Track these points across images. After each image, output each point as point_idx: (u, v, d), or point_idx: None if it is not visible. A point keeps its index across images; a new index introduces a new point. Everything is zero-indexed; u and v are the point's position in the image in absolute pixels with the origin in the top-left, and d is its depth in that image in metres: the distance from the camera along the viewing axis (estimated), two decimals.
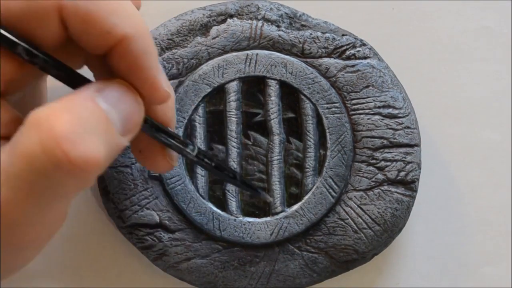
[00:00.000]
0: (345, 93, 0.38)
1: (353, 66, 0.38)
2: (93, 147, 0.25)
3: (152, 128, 0.30)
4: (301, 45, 0.39)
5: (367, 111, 0.38)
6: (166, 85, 0.29)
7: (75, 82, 0.27)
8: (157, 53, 0.29)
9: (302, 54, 0.38)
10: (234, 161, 0.38)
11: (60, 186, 0.25)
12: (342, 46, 0.39)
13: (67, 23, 0.27)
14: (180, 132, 0.38)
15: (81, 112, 0.25)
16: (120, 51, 0.27)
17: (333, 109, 0.38)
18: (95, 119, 0.25)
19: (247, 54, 0.38)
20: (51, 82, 0.31)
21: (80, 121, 0.25)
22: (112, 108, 0.26)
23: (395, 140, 0.38)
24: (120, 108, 0.27)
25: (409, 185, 0.38)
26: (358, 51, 0.39)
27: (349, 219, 0.38)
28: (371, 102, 0.38)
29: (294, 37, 0.39)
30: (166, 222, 0.38)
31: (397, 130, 0.38)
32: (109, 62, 0.28)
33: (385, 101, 0.38)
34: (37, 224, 0.26)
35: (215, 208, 0.38)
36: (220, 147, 0.39)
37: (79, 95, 0.26)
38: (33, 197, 0.25)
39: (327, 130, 0.38)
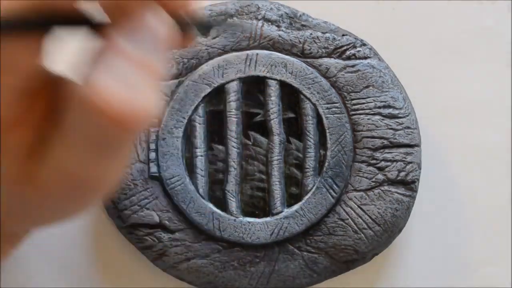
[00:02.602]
0: (345, 93, 0.38)
1: (353, 66, 0.38)
2: (145, 100, 0.25)
3: None
4: (301, 45, 0.38)
5: (367, 111, 0.38)
6: None
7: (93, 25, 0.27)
8: None
9: (302, 54, 0.38)
10: (234, 161, 0.38)
11: (124, 143, 0.26)
12: (342, 46, 0.39)
13: None
14: (180, 132, 0.38)
15: (121, 69, 0.25)
16: None
17: (333, 109, 0.38)
18: (133, 71, 0.25)
19: (247, 54, 0.38)
20: None
21: (123, 82, 0.24)
22: (143, 43, 0.26)
23: (395, 140, 0.38)
24: (149, 36, 0.26)
25: (409, 185, 0.38)
26: (358, 51, 0.39)
27: (349, 219, 0.38)
28: (371, 102, 0.38)
29: (294, 37, 0.39)
30: (166, 222, 0.38)
31: (397, 130, 0.38)
32: None
33: (385, 101, 0.38)
34: (112, 173, 0.27)
35: (215, 208, 0.38)
36: (220, 147, 0.39)
37: (108, 52, 0.25)
38: (106, 159, 0.26)
39: (327, 130, 0.38)
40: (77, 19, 0.27)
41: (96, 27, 0.27)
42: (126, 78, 0.25)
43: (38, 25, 0.25)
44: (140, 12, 0.26)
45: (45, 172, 0.26)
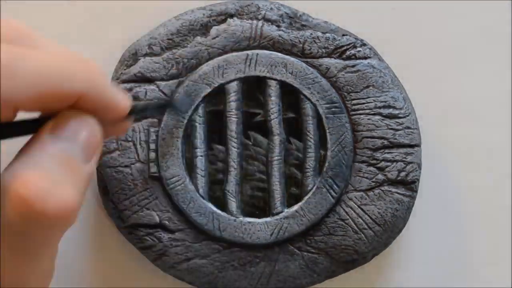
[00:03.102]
0: (345, 93, 0.38)
1: (353, 66, 0.38)
2: (64, 196, 0.25)
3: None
4: (301, 45, 0.38)
5: (367, 111, 0.38)
6: (121, 97, 0.29)
7: (28, 129, 0.27)
8: (106, 76, 0.29)
9: (302, 54, 0.38)
10: (234, 161, 0.38)
11: (45, 237, 0.26)
12: (342, 46, 0.39)
13: (24, 109, 0.26)
14: (180, 132, 0.38)
15: (42, 164, 0.26)
16: (81, 105, 0.27)
17: (333, 109, 0.38)
18: (57, 166, 0.26)
19: (247, 54, 0.38)
20: None
21: (43, 175, 0.25)
22: (71, 142, 0.27)
23: (396, 141, 0.38)
24: (79, 138, 0.27)
25: (410, 185, 0.38)
26: (359, 51, 0.39)
27: (349, 220, 0.38)
28: (372, 102, 0.38)
29: (295, 37, 0.39)
30: (166, 222, 0.38)
31: (397, 130, 0.38)
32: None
33: (385, 101, 0.38)
34: (33, 276, 0.27)
35: (215, 209, 0.38)
36: (220, 147, 0.39)
37: (35, 146, 0.26)
38: (24, 255, 0.26)
39: (327, 130, 0.38)
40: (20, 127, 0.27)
41: (31, 125, 0.27)
42: (49, 173, 0.26)
43: None
44: (69, 116, 0.27)
45: None
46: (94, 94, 0.28)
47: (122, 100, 0.29)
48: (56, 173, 0.26)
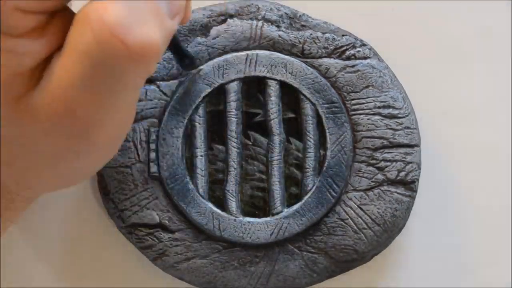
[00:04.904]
0: (345, 93, 0.38)
1: (353, 66, 0.38)
2: (148, 31, 0.24)
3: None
4: (301, 45, 0.39)
5: (367, 111, 0.38)
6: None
7: None
8: None
9: (302, 54, 0.38)
10: (234, 161, 0.38)
11: (123, 76, 0.25)
12: (342, 46, 0.39)
13: None
14: (180, 132, 0.38)
15: (132, 1, 0.24)
16: None
17: (333, 109, 0.38)
18: (145, 7, 0.25)
19: (247, 54, 0.38)
20: None
21: (130, 8, 0.24)
22: None
23: (395, 141, 0.38)
24: None
25: (409, 185, 0.38)
26: (358, 51, 0.39)
27: (349, 219, 0.38)
28: (371, 102, 0.38)
29: (294, 37, 0.39)
30: (166, 222, 0.38)
31: (397, 130, 0.38)
32: None
33: (385, 101, 0.38)
34: (110, 121, 0.26)
35: (215, 208, 0.38)
36: (220, 147, 0.39)
37: None
38: (101, 94, 0.25)
39: (327, 130, 0.38)
40: None
41: None
42: (138, 9, 0.24)
43: None
44: None
45: (41, 98, 0.25)
46: None
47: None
48: (143, 12, 0.24)
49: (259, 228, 0.38)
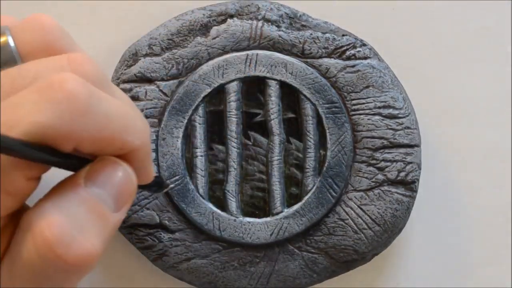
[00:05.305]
0: (345, 94, 0.38)
1: (353, 66, 0.38)
2: (87, 244, 0.25)
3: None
4: (301, 45, 0.39)
5: (367, 111, 0.38)
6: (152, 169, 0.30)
7: (73, 166, 0.27)
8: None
9: (302, 55, 0.38)
10: (234, 161, 0.38)
11: (62, 282, 0.26)
12: (342, 46, 0.39)
13: (80, 148, 0.26)
14: (180, 132, 0.38)
15: (71, 208, 0.26)
16: (126, 157, 0.28)
17: (333, 109, 0.38)
18: (86, 212, 0.26)
19: (247, 54, 0.38)
20: None
21: (70, 220, 0.25)
22: (103, 188, 0.27)
23: (395, 141, 0.38)
24: (112, 184, 0.27)
25: (409, 185, 0.38)
26: (358, 51, 0.39)
27: (349, 220, 0.38)
28: (371, 103, 0.38)
29: (294, 37, 0.39)
30: (166, 222, 0.38)
31: (397, 130, 0.38)
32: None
33: (385, 102, 0.38)
34: None
35: (215, 208, 0.38)
36: (220, 147, 0.39)
37: (68, 188, 0.26)
38: None
39: (327, 130, 0.38)
40: (71, 161, 0.27)
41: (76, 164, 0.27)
42: (77, 218, 0.26)
43: (40, 156, 0.25)
44: (108, 163, 0.27)
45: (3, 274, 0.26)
46: (142, 154, 0.28)
47: (152, 170, 0.30)
48: (83, 220, 0.26)
49: (259, 228, 0.38)
